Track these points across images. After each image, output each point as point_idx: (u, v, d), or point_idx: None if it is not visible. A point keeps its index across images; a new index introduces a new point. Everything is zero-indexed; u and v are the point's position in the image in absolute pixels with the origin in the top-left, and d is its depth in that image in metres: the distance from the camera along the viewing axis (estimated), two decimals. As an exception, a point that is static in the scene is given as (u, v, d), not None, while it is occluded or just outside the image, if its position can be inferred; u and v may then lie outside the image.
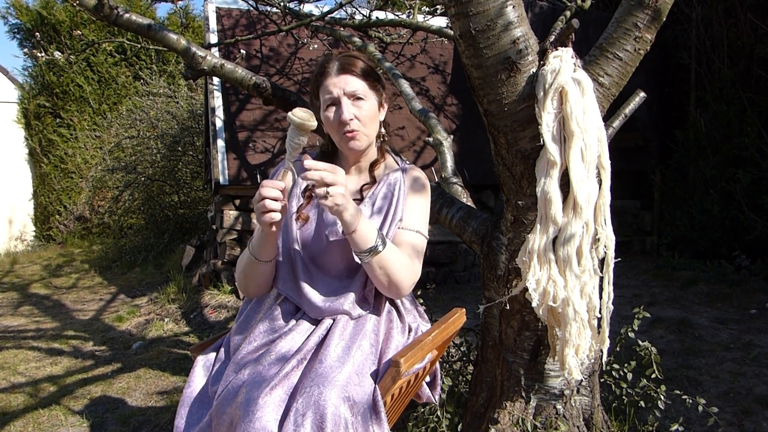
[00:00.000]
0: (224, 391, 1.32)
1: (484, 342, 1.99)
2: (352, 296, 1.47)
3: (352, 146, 1.48)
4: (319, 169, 1.26)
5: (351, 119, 1.45)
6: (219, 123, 4.78)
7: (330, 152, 1.62)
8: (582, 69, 1.45)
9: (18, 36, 9.25)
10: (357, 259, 1.42)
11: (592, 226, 1.47)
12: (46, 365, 3.44)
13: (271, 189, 1.28)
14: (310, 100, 1.59)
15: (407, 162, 1.69)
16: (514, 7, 1.42)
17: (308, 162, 1.27)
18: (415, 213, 1.55)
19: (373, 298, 1.51)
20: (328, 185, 1.26)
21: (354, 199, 1.43)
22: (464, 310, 1.68)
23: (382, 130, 1.59)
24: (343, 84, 1.46)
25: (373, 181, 1.57)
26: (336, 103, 1.47)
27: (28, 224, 9.56)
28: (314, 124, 1.28)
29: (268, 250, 1.43)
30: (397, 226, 1.51)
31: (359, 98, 1.47)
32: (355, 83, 1.47)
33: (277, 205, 1.29)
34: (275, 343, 1.42)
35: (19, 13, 9.01)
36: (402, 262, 1.44)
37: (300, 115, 1.27)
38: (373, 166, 1.58)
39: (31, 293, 5.75)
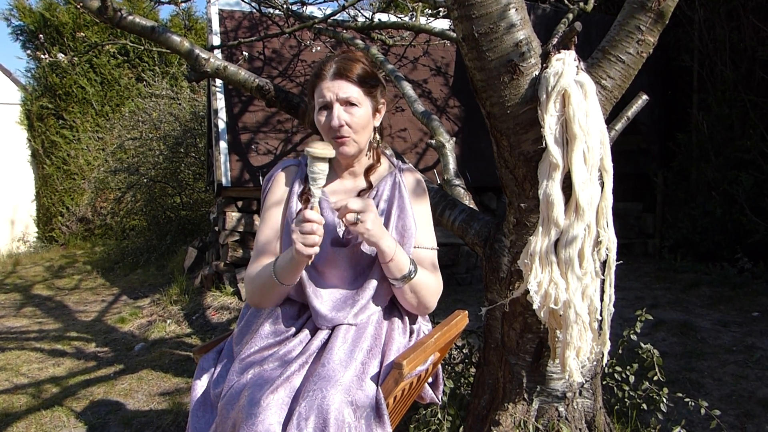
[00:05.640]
0: (227, 395, 1.32)
1: (486, 344, 1.99)
2: (357, 308, 1.46)
3: (341, 151, 1.48)
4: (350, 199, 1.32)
5: (341, 125, 1.44)
6: (222, 125, 4.79)
7: None
8: (584, 72, 1.45)
9: (21, 38, 9.28)
10: (393, 283, 1.46)
11: (594, 229, 1.47)
12: (48, 366, 3.45)
13: (317, 225, 1.31)
14: (308, 100, 1.58)
15: (407, 162, 1.68)
16: (516, 9, 1.42)
17: (349, 202, 1.33)
18: (426, 227, 1.56)
19: (376, 303, 1.50)
20: (357, 213, 1.31)
21: None
22: (466, 312, 1.68)
23: (377, 136, 1.58)
24: (337, 89, 1.44)
25: (370, 185, 1.56)
26: (328, 107, 1.46)
27: (30, 225, 9.58)
28: (332, 153, 1.37)
29: (295, 275, 1.42)
30: (413, 245, 1.51)
31: (352, 104, 1.45)
32: (350, 89, 1.45)
33: (319, 240, 1.32)
34: (278, 346, 1.42)
35: (22, 15, 9.03)
36: (430, 285, 1.50)
37: (318, 147, 1.35)
38: (368, 171, 1.57)
39: (34, 294, 5.76)
